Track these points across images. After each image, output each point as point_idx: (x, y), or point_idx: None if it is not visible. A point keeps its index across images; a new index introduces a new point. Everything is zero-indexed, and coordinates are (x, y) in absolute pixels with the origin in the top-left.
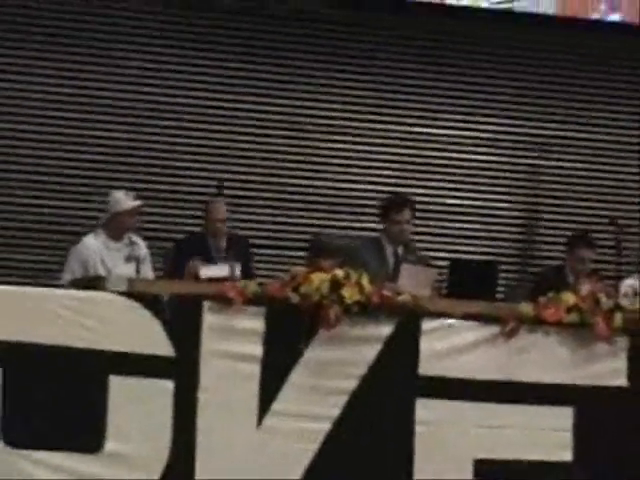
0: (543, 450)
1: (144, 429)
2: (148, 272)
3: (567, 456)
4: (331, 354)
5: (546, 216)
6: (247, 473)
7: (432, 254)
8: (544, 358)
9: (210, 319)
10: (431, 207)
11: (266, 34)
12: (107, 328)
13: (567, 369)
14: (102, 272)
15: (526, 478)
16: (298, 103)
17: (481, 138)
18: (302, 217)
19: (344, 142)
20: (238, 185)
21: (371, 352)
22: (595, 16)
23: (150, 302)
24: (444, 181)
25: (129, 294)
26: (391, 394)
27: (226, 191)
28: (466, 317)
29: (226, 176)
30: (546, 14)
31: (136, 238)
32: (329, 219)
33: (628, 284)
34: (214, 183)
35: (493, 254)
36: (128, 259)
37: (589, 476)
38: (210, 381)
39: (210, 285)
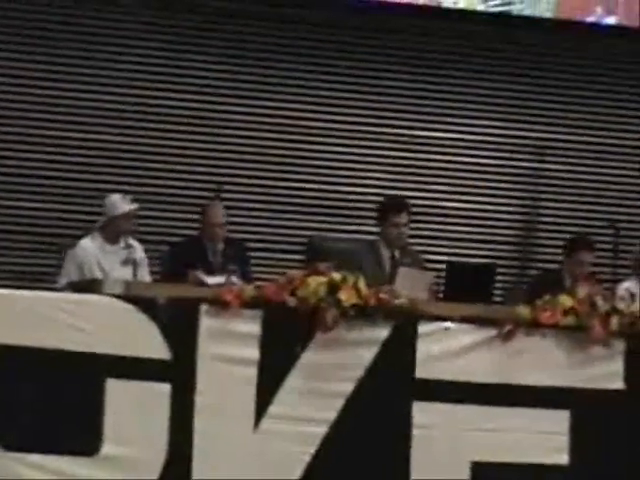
0: (540, 453)
1: (141, 432)
2: (145, 275)
3: (564, 459)
4: (328, 357)
5: (543, 219)
6: (244, 476)
7: (429, 257)
8: (541, 361)
9: (207, 322)
10: (428, 210)
11: (263, 37)
12: (104, 331)
13: (564, 372)
14: (99, 275)
15: None
16: (295, 107)
17: (478, 141)
18: (299, 220)
19: (341, 145)
20: (235, 188)
21: (368, 355)
22: (591, 19)
23: (147, 305)
24: (441, 184)
25: (126, 297)
26: (388, 397)
27: (223, 194)
28: (463, 320)
29: (223, 179)
30: (543, 17)
31: (133, 241)
32: (326, 222)
33: (625, 287)
34: (211, 186)
35: (490, 257)
36: (125, 262)
37: (586, 479)
38: (207, 384)
39: (207, 288)
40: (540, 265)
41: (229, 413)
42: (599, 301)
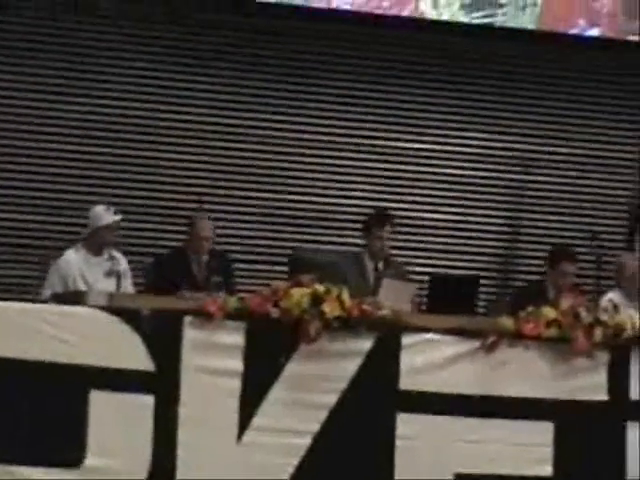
0: (523, 465)
1: (125, 444)
2: (128, 287)
3: (547, 471)
4: (311, 369)
5: (527, 231)
6: None
7: (413, 269)
8: (524, 373)
9: (190, 334)
10: (412, 222)
11: (247, 49)
12: (87, 343)
13: (547, 384)
14: (82, 287)
15: None
16: (279, 119)
17: (462, 153)
18: (283, 232)
19: (325, 157)
20: (218, 200)
21: (351, 367)
22: (574, 31)
23: (130, 317)
24: (425, 196)
25: (109, 309)
26: (371, 409)
27: (206, 206)
28: (447, 332)
29: (206, 191)
30: (526, 29)
31: (116, 253)
32: (310, 234)
33: (608, 298)
34: (194, 198)
35: (474, 269)
36: (108, 274)
37: None
38: (190, 396)
39: (190, 300)
40: (523, 277)
41: (213, 425)
42: (582, 312)
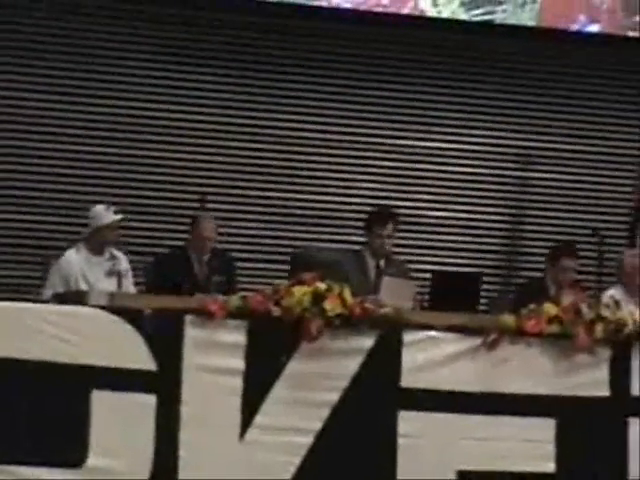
0: (526, 461)
1: (127, 443)
2: (129, 286)
3: (550, 467)
4: (313, 367)
5: (528, 227)
6: None
7: (415, 266)
8: (526, 369)
9: (192, 333)
10: (414, 219)
11: (249, 47)
12: (89, 343)
13: (549, 380)
14: (83, 287)
15: None
16: (281, 117)
17: (462, 150)
18: (284, 230)
19: (327, 155)
20: (220, 199)
21: (353, 365)
22: (575, 27)
23: (132, 316)
24: (427, 193)
25: (111, 309)
26: (373, 406)
27: (208, 205)
28: (448, 329)
29: (208, 190)
30: (526, 25)
31: (117, 253)
32: (312, 232)
33: (609, 295)
34: (196, 197)
35: (476, 266)
36: (109, 274)
37: None
38: (192, 395)
39: (192, 299)
40: (525, 274)
41: (215, 424)
42: (584, 309)
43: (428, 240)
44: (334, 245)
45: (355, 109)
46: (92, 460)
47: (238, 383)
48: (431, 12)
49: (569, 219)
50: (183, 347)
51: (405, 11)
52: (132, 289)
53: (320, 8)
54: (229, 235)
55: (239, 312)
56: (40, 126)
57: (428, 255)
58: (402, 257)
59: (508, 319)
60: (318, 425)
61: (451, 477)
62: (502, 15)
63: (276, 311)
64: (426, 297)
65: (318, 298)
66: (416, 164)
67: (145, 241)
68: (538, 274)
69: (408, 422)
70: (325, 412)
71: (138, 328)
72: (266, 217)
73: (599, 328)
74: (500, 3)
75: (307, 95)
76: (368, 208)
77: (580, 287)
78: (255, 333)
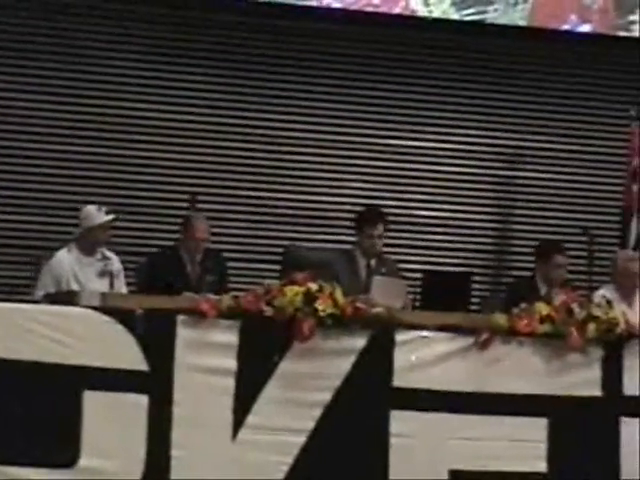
0: (518, 461)
1: (119, 444)
2: (121, 287)
3: (542, 467)
4: (305, 367)
5: (519, 227)
6: None
7: (406, 266)
8: (518, 369)
9: (184, 333)
10: (404, 219)
11: (238, 47)
12: (81, 343)
13: (541, 380)
14: (75, 287)
15: None
16: (271, 116)
17: (453, 150)
18: (276, 230)
19: (317, 155)
20: (211, 199)
21: (345, 364)
22: (566, 27)
23: (124, 317)
24: (417, 193)
25: (102, 309)
26: (365, 406)
27: (199, 205)
28: (440, 329)
29: (199, 190)
30: (517, 25)
31: (109, 253)
32: (303, 232)
33: (601, 294)
34: (187, 197)
35: (466, 265)
36: (101, 274)
37: None
38: (184, 395)
39: (184, 299)
40: (516, 273)
41: (207, 424)
42: (576, 308)
43: (419, 240)
44: (325, 245)
45: (346, 109)
46: (84, 460)
47: (230, 383)
48: (422, 12)
49: (560, 218)
50: (175, 347)
51: (396, 11)
52: (124, 289)
53: (311, 8)
54: (220, 235)
55: (231, 312)
56: (30, 126)
57: (419, 255)
58: (393, 257)
59: (500, 319)
60: (310, 425)
61: (443, 477)
62: (493, 15)
63: (268, 311)
64: (417, 297)
65: (310, 298)
66: (407, 164)
67: (137, 241)
68: (529, 273)
69: (400, 422)
70: (317, 412)
71: (130, 328)
72: (257, 217)
73: (591, 328)
74: (491, 3)
75: (298, 95)
76: (359, 208)
77: (571, 286)
78: (247, 333)
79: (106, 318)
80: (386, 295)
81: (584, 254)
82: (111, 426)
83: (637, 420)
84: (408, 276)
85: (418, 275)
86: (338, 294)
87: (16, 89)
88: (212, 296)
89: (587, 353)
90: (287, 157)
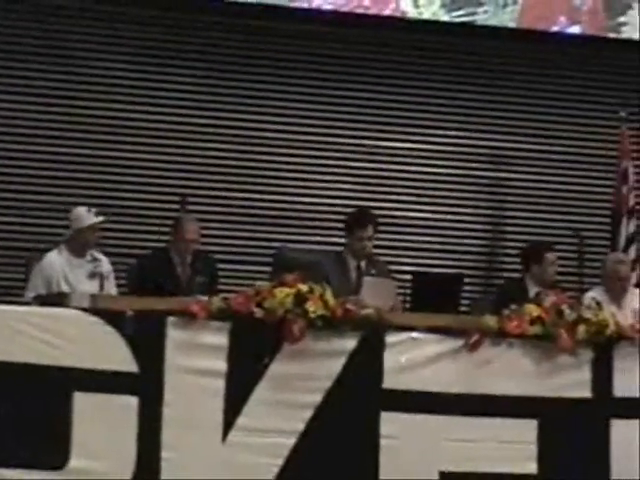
0: (508, 462)
1: (109, 445)
2: (111, 288)
3: (532, 468)
4: (295, 368)
5: (509, 229)
6: None
7: (396, 267)
8: (508, 370)
9: (174, 335)
10: (395, 220)
11: (228, 49)
12: (71, 345)
13: (531, 381)
14: (65, 289)
15: None
16: (260, 118)
17: (444, 151)
18: (266, 232)
19: (307, 157)
20: (201, 200)
21: (335, 366)
22: (555, 29)
23: (114, 318)
24: (407, 194)
25: (92, 310)
26: (356, 408)
27: (189, 206)
28: (430, 330)
29: (189, 191)
30: (507, 27)
31: (99, 254)
32: (293, 234)
33: (591, 296)
34: (177, 198)
35: (457, 267)
36: (91, 276)
37: None
38: (175, 397)
39: (174, 301)
40: (506, 275)
41: (197, 425)
42: (566, 310)
43: (409, 241)
44: (315, 246)
45: (337, 110)
46: (74, 462)
47: (220, 384)
48: (412, 13)
49: (550, 220)
50: (165, 348)
51: (386, 12)
52: (114, 291)
53: (301, 10)
54: (210, 237)
55: (221, 313)
56: (20, 127)
57: (409, 256)
58: (383, 258)
59: (490, 320)
60: (301, 426)
61: (434, 478)
62: (483, 16)
63: (258, 312)
64: (407, 298)
65: (300, 299)
66: (397, 165)
67: (127, 243)
68: (519, 275)
69: (390, 423)
70: (308, 413)
71: (120, 330)
72: (247, 218)
73: (581, 329)
74: (481, 5)
75: (290, 97)
76: (349, 209)
77: (561, 288)
78: (237, 334)
79: (96, 319)
80: (377, 296)
81: (574, 256)
82: (101, 427)
83: (627, 422)
84: (398, 278)
85: (408, 277)
86: (328, 296)
87: (5, 91)
88: (202, 297)
89: (577, 355)
90: (277, 159)
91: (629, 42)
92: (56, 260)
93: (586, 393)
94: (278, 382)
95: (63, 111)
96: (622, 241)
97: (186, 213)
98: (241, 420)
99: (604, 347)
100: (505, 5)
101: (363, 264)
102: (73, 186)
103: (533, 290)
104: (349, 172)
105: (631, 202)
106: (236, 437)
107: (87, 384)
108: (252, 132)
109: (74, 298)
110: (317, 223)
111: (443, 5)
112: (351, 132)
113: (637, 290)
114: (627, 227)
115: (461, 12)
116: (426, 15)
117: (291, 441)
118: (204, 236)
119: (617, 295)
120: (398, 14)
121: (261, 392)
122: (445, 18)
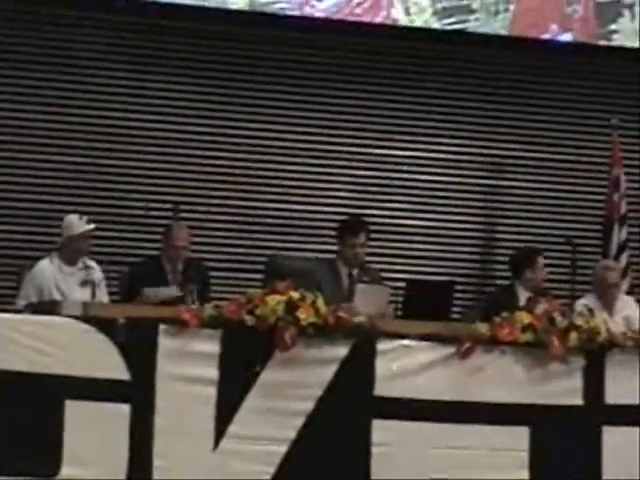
0: (500, 470)
1: (100, 453)
2: (103, 296)
3: (524, 475)
4: (287, 376)
5: (501, 236)
6: None
7: (388, 274)
8: (500, 378)
9: (166, 342)
10: (387, 228)
11: (222, 57)
12: (63, 353)
13: (523, 388)
14: (57, 297)
15: None
16: (254, 126)
17: (436, 159)
18: (258, 240)
19: (300, 164)
20: (193, 208)
21: (327, 373)
22: (547, 36)
23: (105, 326)
24: (399, 202)
25: (84, 318)
26: (347, 415)
27: (182, 214)
28: (422, 338)
29: (181, 199)
30: (498, 34)
31: (91, 262)
32: (285, 241)
33: (583, 303)
34: (169, 206)
35: (449, 274)
36: (83, 283)
37: None
38: (166, 404)
39: (165, 308)
40: (499, 282)
41: (188, 433)
42: (557, 317)
43: (401, 249)
44: (307, 254)
45: (329, 118)
46: (66, 470)
47: (212, 392)
48: (404, 21)
49: (542, 227)
50: (157, 356)
51: (378, 20)
52: (106, 299)
53: (293, 17)
54: (202, 244)
55: (213, 321)
56: (13, 136)
57: (401, 264)
58: (376, 266)
59: (482, 327)
60: (292, 434)
61: None
62: (475, 24)
63: (250, 320)
64: (399, 306)
65: (292, 307)
66: (390, 173)
67: (119, 250)
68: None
69: (382, 431)
70: (299, 421)
71: (112, 337)
72: (239, 226)
73: (573, 337)
74: (472, 12)
75: (282, 105)
76: (341, 217)
77: (552, 295)
78: (229, 342)
79: (88, 327)
80: (369, 303)
81: (566, 263)
82: (93, 435)
83: (619, 429)
84: (390, 285)
85: (401, 284)
86: (320, 303)
87: (0, 99)
88: (194, 305)
89: (569, 362)
90: (270, 166)
91: (620, 50)
92: (48, 268)
93: (578, 400)
94: (270, 390)
95: (55, 119)
96: (614, 248)
97: (178, 221)
98: (233, 428)
99: (596, 354)
100: (497, 13)
101: (355, 271)
102: (65, 194)
103: (524, 296)
104: (342, 180)
105: (623, 209)
106: (228, 445)
107: (79, 392)
108: (245, 140)
109: (66, 306)
110: (311, 231)
111: (435, 13)
112: (344, 140)
113: (628, 297)
114: (619, 234)
115: (453, 20)
116: (418, 23)
117: (283, 449)
118: (196, 244)
119: (608, 302)
120: (390, 22)
121: (253, 400)
122: (437, 26)
